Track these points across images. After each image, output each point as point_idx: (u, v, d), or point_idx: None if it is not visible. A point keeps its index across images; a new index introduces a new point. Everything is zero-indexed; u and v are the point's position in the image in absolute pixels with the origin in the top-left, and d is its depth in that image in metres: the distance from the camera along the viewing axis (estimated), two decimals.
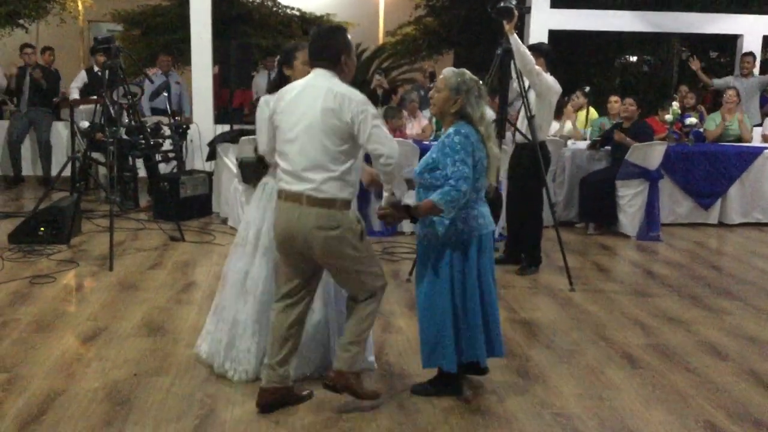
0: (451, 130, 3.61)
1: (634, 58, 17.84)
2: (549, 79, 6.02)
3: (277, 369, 3.58)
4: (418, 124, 9.32)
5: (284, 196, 3.45)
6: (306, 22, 14.75)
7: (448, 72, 3.68)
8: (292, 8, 14.88)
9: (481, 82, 3.70)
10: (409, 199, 3.83)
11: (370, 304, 3.58)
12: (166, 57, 10.43)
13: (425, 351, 3.76)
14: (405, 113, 9.12)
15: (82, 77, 9.71)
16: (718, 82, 10.61)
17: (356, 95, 3.37)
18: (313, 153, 3.36)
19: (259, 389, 3.64)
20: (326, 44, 3.46)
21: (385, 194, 3.57)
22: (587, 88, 9.58)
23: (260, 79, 11.43)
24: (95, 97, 8.86)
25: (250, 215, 4.11)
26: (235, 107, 10.24)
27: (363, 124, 3.32)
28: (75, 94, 9.59)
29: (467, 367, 3.87)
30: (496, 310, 3.83)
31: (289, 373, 3.66)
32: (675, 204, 8.56)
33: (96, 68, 9.74)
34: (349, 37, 3.54)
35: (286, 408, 3.65)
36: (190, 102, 10.19)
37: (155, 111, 9.73)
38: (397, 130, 8.32)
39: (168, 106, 9.24)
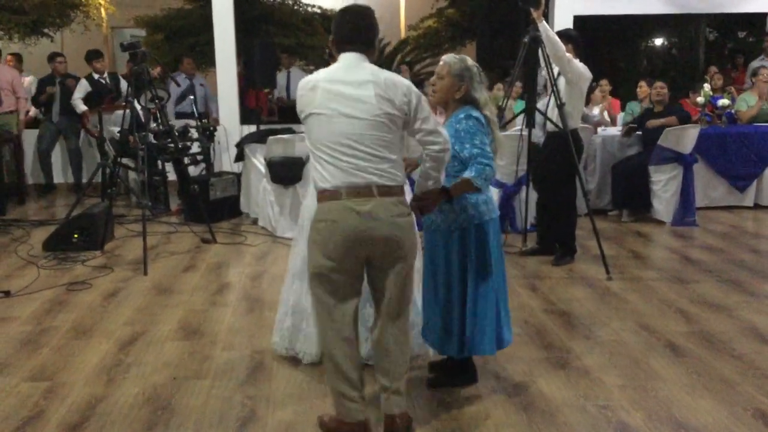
0: (461, 115, 3.56)
1: (659, 41, 17.61)
2: (579, 65, 5.93)
3: (364, 398, 3.27)
4: (442, 117, 9.22)
5: (345, 193, 3.06)
6: (327, 19, 14.73)
7: (449, 59, 3.64)
8: (313, 6, 14.89)
9: (478, 67, 3.65)
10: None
11: (408, 326, 3.32)
12: (189, 60, 10.46)
13: (455, 340, 3.67)
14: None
15: (84, 86, 9.71)
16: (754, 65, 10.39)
17: (403, 81, 3.15)
18: (372, 142, 3.06)
19: (351, 423, 3.26)
20: (363, 26, 3.20)
21: (422, 181, 3.39)
22: None
23: (280, 79, 11.40)
24: (123, 103, 8.91)
25: (305, 208, 4.09)
26: (252, 108, 10.23)
27: (417, 112, 3.13)
28: (81, 105, 9.61)
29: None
30: (506, 296, 3.80)
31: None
32: (709, 187, 8.43)
33: (96, 75, 9.78)
34: None
35: (326, 410, 3.60)
36: (216, 103, 10.21)
37: (181, 115, 9.76)
38: None
39: (194, 109, 9.27)
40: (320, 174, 3.12)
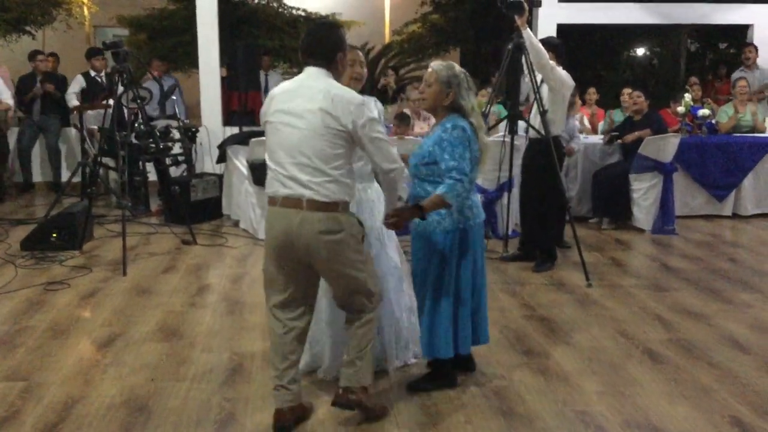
0: (447, 124, 3.59)
1: (641, 51, 17.77)
2: (562, 73, 5.96)
3: (291, 388, 3.44)
4: (426, 123, 9.23)
5: (280, 201, 3.25)
6: (311, 22, 14.71)
7: (437, 66, 3.67)
8: (298, 8, 14.84)
9: (466, 73, 3.68)
10: (403, 192, 3.81)
11: (368, 318, 3.44)
12: (158, 62, 10.41)
13: (424, 341, 3.78)
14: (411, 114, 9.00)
15: (79, 82, 9.71)
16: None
17: (355, 98, 3.23)
18: (311, 156, 3.18)
19: (275, 411, 3.45)
20: (321, 41, 3.31)
21: (386, 203, 3.54)
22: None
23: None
24: (105, 102, 8.86)
25: None
26: (234, 110, 10.19)
27: (363, 131, 3.20)
28: (74, 100, 9.59)
29: (458, 362, 3.92)
30: (485, 298, 3.88)
31: (300, 387, 3.53)
32: (689, 196, 8.49)
33: (93, 72, 9.74)
34: (346, 34, 3.41)
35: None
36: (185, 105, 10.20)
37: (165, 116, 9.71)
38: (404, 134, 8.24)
39: (176, 110, 9.22)
40: (268, 180, 3.34)
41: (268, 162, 3.33)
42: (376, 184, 3.91)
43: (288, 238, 3.25)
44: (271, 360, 3.49)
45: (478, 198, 3.82)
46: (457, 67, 3.67)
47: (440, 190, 3.49)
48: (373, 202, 3.89)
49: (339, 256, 3.28)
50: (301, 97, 3.23)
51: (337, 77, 3.35)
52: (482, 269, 3.84)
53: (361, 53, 3.86)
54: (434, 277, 3.70)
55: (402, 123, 8.20)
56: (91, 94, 9.57)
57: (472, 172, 3.64)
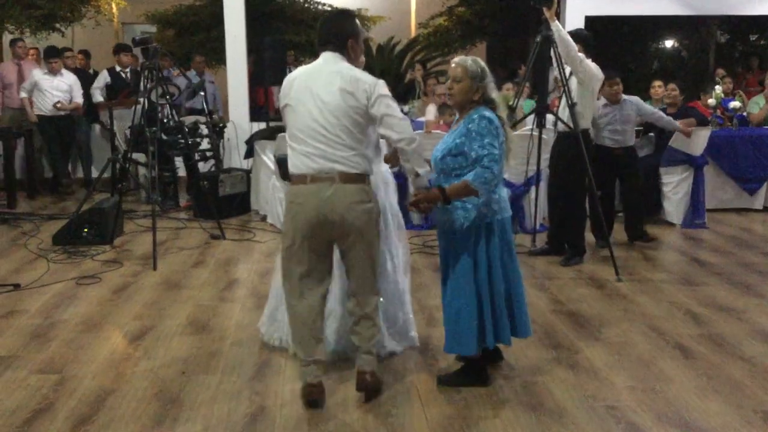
0: (474, 115, 3.60)
1: (670, 43, 17.56)
2: (591, 65, 5.91)
3: (321, 362, 3.64)
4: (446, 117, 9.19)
5: (310, 178, 3.43)
6: None
7: (463, 61, 3.69)
8: (324, 3, 14.87)
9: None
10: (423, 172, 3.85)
11: (377, 301, 3.68)
12: (200, 58, 10.48)
13: (448, 337, 3.78)
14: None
15: (104, 77, 9.88)
16: None
17: (368, 77, 3.45)
18: (337, 132, 3.40)
19: (305, 385, 3.61)
20: (333, 28, 3.54)
21: (411, 178, 3.68)
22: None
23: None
24: (129, 98, 8.96)
25: None
26: (261, 105, 10.21)
27: (377, 107, 3.41)
28: (98, 96, 9.72)
29: (491, 355, 3.94)
30: (521, 292, 3.85)
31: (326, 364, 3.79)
32: (719, 190, 8.39)
33: (118, 68, 9.84)
34: (358, 23, 3.63)
35: (336, 406, 3.63)
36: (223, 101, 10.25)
37: (192, 111, 9.78)
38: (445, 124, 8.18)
39: (205, 106, 9.29)
40: (292, 161, 3.51)
41: (291, 143, 3.51)
42: (384, 165, 4.14)
43: (321, 213, 3.43)
44: (294, 338, 3.70)
45: (505, 193, 3.80)
46: (482, 61, 3.69)
47: (467, 176, 3.51)
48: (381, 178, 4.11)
49: (370, 225, 3.51)
50: (321, 80, 3.45)
51: (351, 61, 3.54)
52: (514, 264, 3.79)
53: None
54: (458, 272, 3.68)
55: (446, 112, 8.10)
56: (116, 90, 9.67)
57: (502, 165, 3.62)
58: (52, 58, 9.44)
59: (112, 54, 10.27)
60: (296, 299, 3.58)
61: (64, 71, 9.51)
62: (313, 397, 3.59)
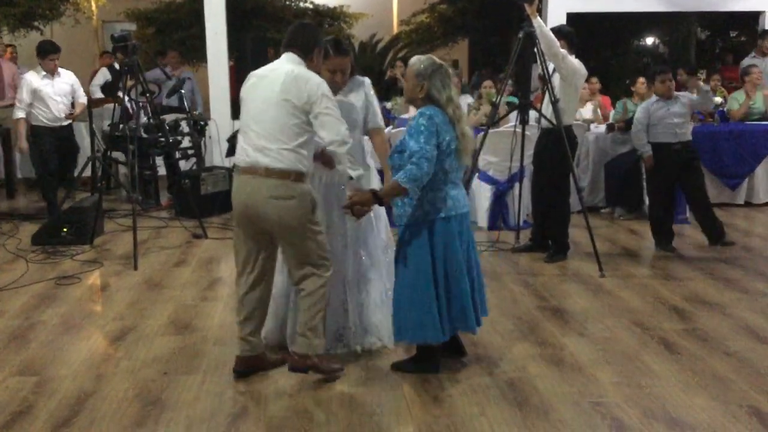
0: (416, 113, 3.67)
1: (651, 40, 17.63)
2: (574, 62, 5.90)
3: (250, 341, 3.85)
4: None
5: (242, 169, 3.62)
6: (319, 14, 14.69)
7: (412, 60, 3.79)
8: (305, 1, 14.81)
9: (444, 65, 3.74)
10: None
11: (316, 288, 3.69)
12: (174, 53, 10.37)
13: (395, 325, 3.82)
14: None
15: (103, 74, 9.74)
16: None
17: (313, 77, 3.59)
18: (270, 126, 3.55)
19: (236, 357, 3.88)
20: (305, 35, 3.73)
21: (345, 181, 3.81)
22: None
23: None
24: (110, 97, 8.86)
25: None
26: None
27: (314, 107, 3.52)
28: (98, 93, 9.60)
29: (449, 348, 3.98)
30: (481, 281, 3.94)
31: (260, 341, 3.92)
32: None
33: (117, 65, 9.74)
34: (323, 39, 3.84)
35: (319, 405, 3.61)
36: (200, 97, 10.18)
37: (170, 109, 9.68)
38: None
39: (185, 104, 9.20)
40: (236, 152, 3.73)
41: (239, 136, 3.72)
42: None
43: (246, 204, 3.64)
44: (236, 314, 3.92)
45: (459, 191, 3.79)
46: (432, 59, 3.73)
47: (396, 176, 3.57)
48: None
49: (289, 222, 3.59)
50: (271, 76, 3.64)
51: (311, 69, 3.67)
52: (473, 260, 3.86)
53: (349, 62, 4.03)
54: (410, 266, 3.73)
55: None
56: (114, 87, 9.54)
57: (445, 163, 3.64)
58: (51, 54, 7.66)
59: (100, 52, 10.12)
60: (240, 277, 3.82)
61: (61, 70, 7.95)
62: (238, 368, 3.87)
